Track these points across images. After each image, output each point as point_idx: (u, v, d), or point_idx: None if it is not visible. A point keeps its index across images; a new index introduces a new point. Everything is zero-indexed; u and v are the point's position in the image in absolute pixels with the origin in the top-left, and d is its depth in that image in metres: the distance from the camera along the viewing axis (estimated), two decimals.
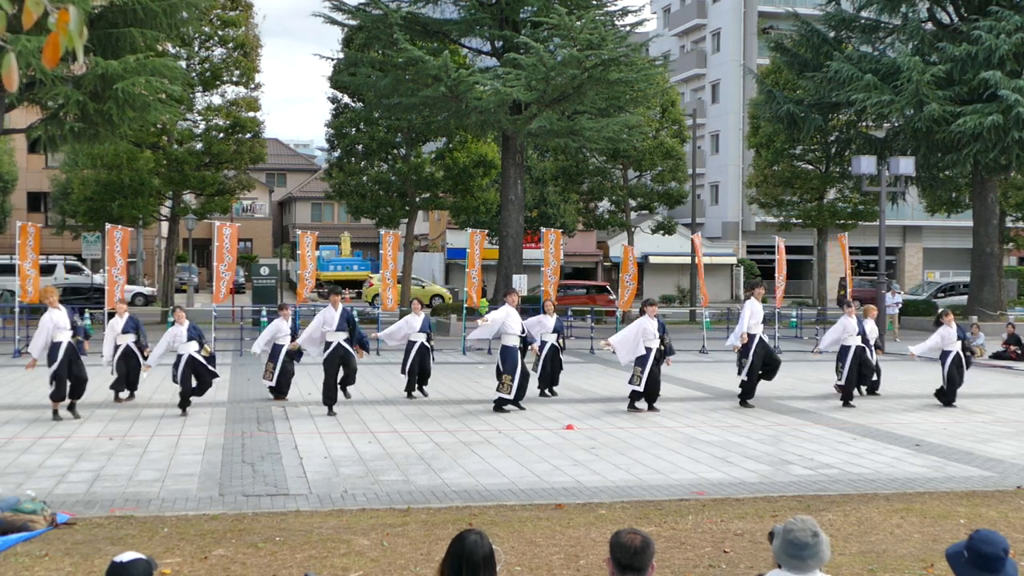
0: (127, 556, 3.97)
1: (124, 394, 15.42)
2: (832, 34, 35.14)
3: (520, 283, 29.58)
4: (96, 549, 7.28)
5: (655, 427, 13.50)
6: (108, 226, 24.83)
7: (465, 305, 26.02)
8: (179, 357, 14.38)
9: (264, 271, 34.02)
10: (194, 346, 14.37)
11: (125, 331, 15.24)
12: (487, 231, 33.42)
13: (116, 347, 15.16)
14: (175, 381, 14.46)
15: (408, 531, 7.87)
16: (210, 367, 14.49)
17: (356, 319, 15.02)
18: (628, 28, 33.06)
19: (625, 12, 33.26)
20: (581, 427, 13.35)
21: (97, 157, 34.42)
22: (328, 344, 14.55)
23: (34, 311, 28.07)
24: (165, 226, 42.10)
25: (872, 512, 8.68)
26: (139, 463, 10.72)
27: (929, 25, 33.54)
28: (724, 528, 8.12)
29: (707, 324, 27.47)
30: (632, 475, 10.37)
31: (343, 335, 14.53)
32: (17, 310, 23.38)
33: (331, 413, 14.13)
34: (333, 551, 7.30)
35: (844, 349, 15.99)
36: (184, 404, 14.20)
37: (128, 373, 15.24)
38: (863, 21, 34.60)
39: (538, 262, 33.34)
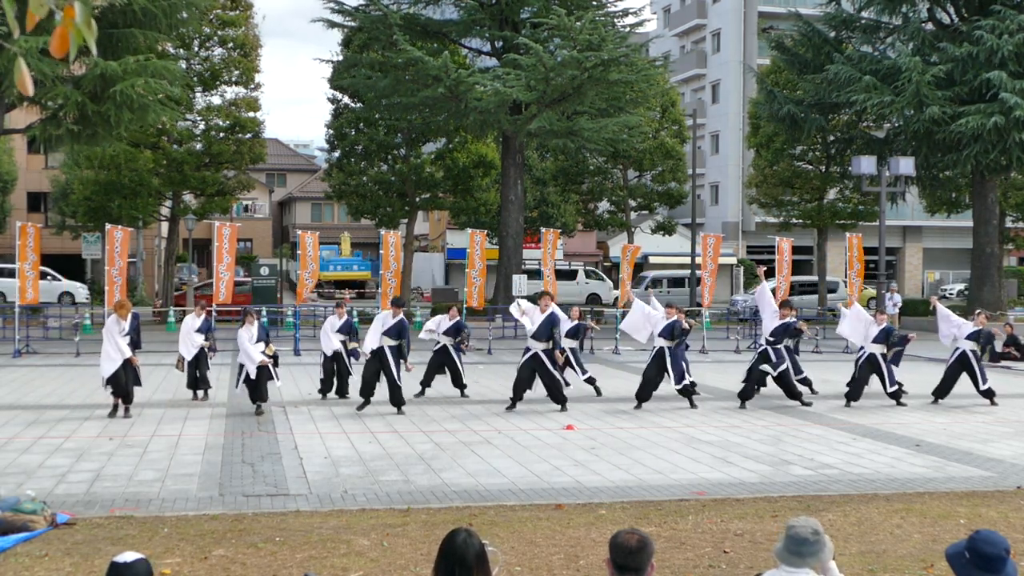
0: (127, 556, 3.97)
1: (200, 393, 15.79)
2: (832, 34, 35.13)
3: (520, 283, 29.58)
4: (96, 549, 7.28)
5: (655, 427, 13.50)
6: (108, 226, 24.84)
7: (465, 306, 26.03)
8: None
9: (264, 271, 34.02)
10: (261, 346, 14.45)
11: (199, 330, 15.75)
12: (487, 231, 33.47)
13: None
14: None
15: (408, 531, 7.87)
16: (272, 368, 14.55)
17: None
18: (628, 29, 33.08)
19: (625, 13, 33.29)
20: (581, 427, 13.34)
21: (96, 157, 34.42)
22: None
23: (34, 311, 28.11)
24: (165, 226, 42.09)
25: (872, 512, 8.67)
26: (139, 463, 10.71)
27: (929, 25, 33.52)
28: (724, 528, 8.12)
29: (707, 324, 27.46)
30: (632, 475, 10.37)
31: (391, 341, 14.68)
32: (17, 311, 23.38)
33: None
34: (333, 551, 7.30)
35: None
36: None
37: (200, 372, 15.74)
38: (863, 21, 34.59)
39: (538, 262, 33.33)
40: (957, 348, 16.19)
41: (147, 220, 38.28)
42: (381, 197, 36.90)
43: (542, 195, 43.17)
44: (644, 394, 15.18)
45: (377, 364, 14.56)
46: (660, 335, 15.34)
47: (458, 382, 16.34)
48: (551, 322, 14.75)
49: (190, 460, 10.90)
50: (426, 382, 16.26)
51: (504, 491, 9.57)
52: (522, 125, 29.97)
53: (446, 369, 16.32)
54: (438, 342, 16.37)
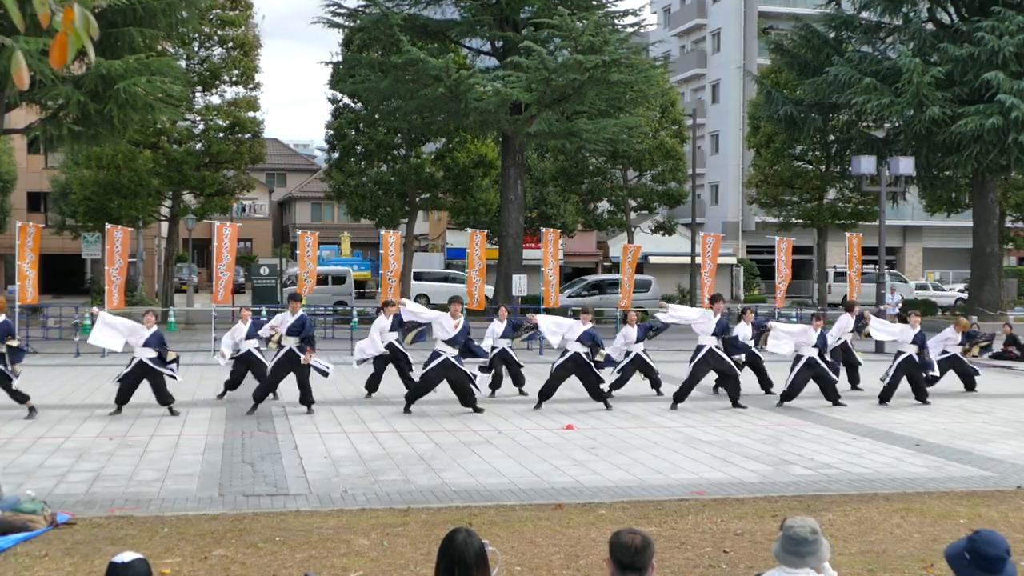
0: (126, 556, 3.97)
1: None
2: (832, 35, 35.12)
3: (520, 283, 29.57)
4: (96, 549, 7.28)
5: (655, 427, 13.50)
6: (108, 226, 24.82)
7: (465, 307, 26.02)
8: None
9: (264, 271, 34.02)
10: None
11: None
12: (487, 231, 33.47)
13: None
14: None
15: (408, 531, 7.87)
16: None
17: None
18: (629, 29, 33.07)
19: (626, 13, 33.29)
20: (581, 427, 13.34)
21: (96, 157, 34.43)
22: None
23: (34, 311, 28.11)
24: (165, 226, 42.09)
25: (872, 512, 8.67)
26: (139, 463, 10.71)
27: (930, 25, 33.49)
28: (724, 528, 8.12)
29: None
30: (632, 475, 10.37)
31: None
32: (17, 311, 23.35)
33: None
34: (333, 551, 7.30)
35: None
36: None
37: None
38: (863, 22, 34.57)
39: (538, 262, 33.30)
40: (901, 353, 16.24)
41: (147, 220, 38.29)
42: (381, 197, 36.89)
43: (542, 195, 43.15)
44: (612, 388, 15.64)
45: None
46: (578, 340, 15.18)
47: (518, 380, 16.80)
48: (466, 330, 14.82)
49: (190, 460, 10.90)
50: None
51: (504, 491, 9.57)
52: (522, 125, 29.96)
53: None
54: (494, 346, 16.56)
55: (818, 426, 13.74)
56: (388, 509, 8.71)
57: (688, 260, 41.29)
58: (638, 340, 16.46)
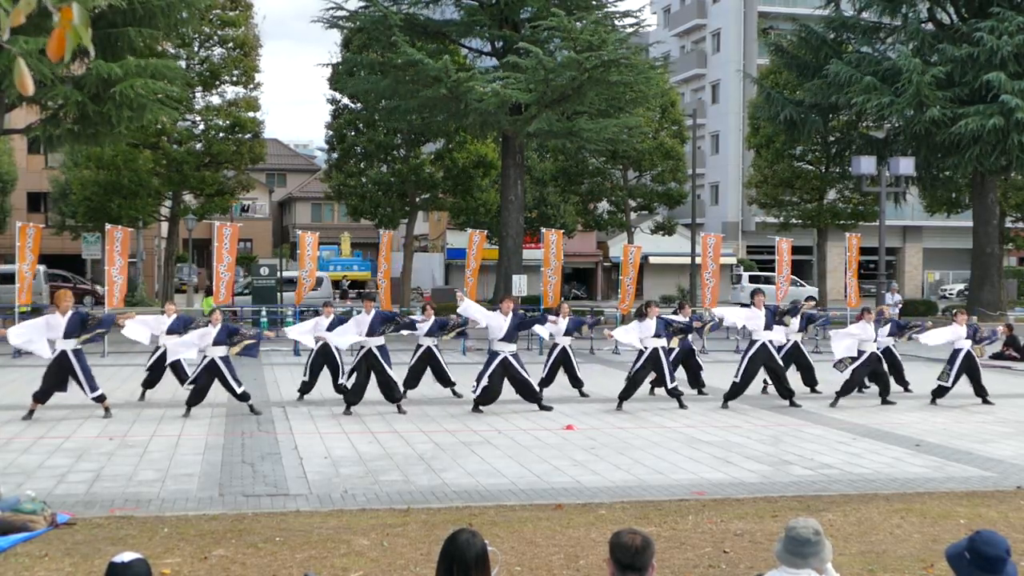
0: (125, 556, 3.97)
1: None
2: (832, 35, 35.13)
3: (520, 284, 29.58)
4: (96, 549, 7.28)
5: (655, 427, 13.50)
6: (108, 226, 24.83)
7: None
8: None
9: (264, 271, 34.02)
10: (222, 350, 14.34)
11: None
12: (487, 231, 33.44)
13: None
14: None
15: (408, 531, 7.87)
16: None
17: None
18: (629, 29, 33.10)
19: (625, 13, 33.32)
20: (581, 427, 13.34)
21: (96, 157, 34.47)
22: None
23: (34, 310, 28.10)
24: (165, 226, 42.12)
25: (872, 512, 8.67)
26: (139, 463, 10.71)
27: (929, 26, 33.50)
28: (724, 528, 8.12)
29: None
30: (632, 475, 10.36)
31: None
32: (16, 312, 23.36)
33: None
34: (333, 551, 7.30)
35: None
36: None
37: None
38: (863, 23, 34.57)
39: (538, 262, 33.33)
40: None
41: (147, 220, 38.33)
42: (381, 198, 36.92)
43: (542, 195, 43.18)
44: (627, 393, 15.22)
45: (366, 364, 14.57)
46: (655, 336, 15.22)
47: (445, 381, 16.30)
48: (518, 321, 15.08)
49: (190, 460, 10.90)
50: (409, 384, 16.17)
51: (504, 491, 9.56)
52: (522, 125, 29.98)
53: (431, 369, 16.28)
54: (420, 344, 16.31)
55: (818, 426, 13.74)
56: (388, 509, 8.71)
57: (688, 260, 41.30)
58: (566, 333, 16.37)
